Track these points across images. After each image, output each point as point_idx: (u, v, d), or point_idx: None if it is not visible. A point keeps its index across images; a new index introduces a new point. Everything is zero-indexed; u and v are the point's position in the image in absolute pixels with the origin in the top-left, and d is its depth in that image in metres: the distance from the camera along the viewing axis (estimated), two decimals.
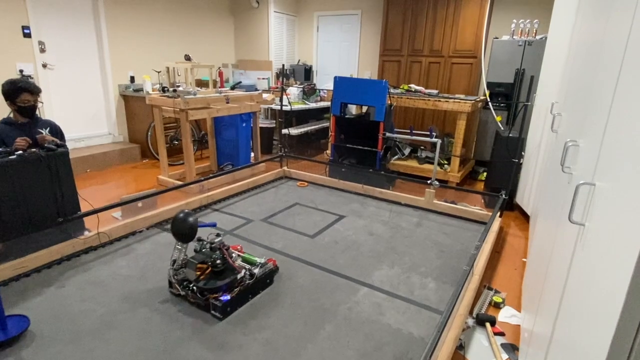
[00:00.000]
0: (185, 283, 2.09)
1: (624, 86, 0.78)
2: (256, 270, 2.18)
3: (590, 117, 1.05)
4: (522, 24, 4.56)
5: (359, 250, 2.75)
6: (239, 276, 2.09)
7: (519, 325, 2.06)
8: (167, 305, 2.06)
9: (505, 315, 2.15)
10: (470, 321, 2.08)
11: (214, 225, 2.57)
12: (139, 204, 3.07)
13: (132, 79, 5.16)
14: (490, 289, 2.38)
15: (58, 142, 2.53)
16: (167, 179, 4.03)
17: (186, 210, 2.18)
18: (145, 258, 2.54)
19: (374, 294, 2.24)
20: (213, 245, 2.16)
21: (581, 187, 0.82)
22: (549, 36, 3.24)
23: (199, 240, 2.20)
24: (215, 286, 2.02)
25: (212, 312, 2.02)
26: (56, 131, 2.73)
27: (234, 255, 2.26)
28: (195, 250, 2.19)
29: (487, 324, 2.03)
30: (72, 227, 2.52)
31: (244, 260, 2.30)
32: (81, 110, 4.78)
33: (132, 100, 5.05)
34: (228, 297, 2.00)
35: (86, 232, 2.61)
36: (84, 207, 2.66)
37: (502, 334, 2.00)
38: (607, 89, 0.90)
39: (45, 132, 2.63)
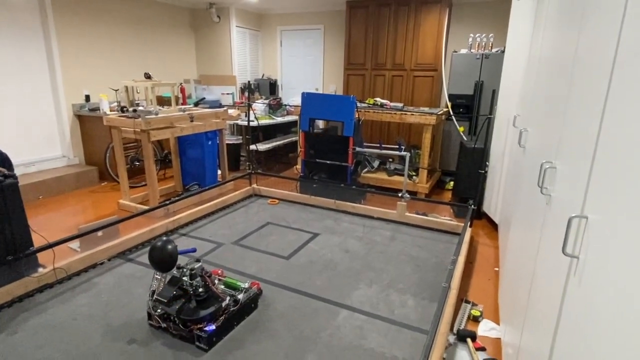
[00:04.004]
0: (165, 315, 1.97)
1: (614, 108, 0.76)
2: (240, 296, 2.10)
3: (568, 138, 1.06)
4: (479, 38, 4.75)
5: (336, 270, 2.70)
6: (223, 304, 2.01)
7: (499, 339, 2.08)
8: (134, 345, 1.91)
9: (484, 328, 2.16)
10: (452, 338, 2.08)
11: (193, 250, 2.45)
12: (99, 233, 2.87)
13: (88, 97, 4.89)
14: (467, 302, 2.40)
15: (5, 172, 2.32)
16: (128, 203, 3.82)
17: (164, 238, 2.07)
18: (108, 293, 2.36)
19: (354, 317, 2.19)
20: (193, 272, 2.05)
21: (573, 220, 0.82)
22: (507, 50, 3.38)
23: (178, 267, 2.09)
24: (199, 316, 1.92)
25: (197, 343, 1.92)
26: (2, 159, 2.50)
27: (215, 281, 2.17)
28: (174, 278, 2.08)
29: (469, 340, 2.03)
30: (24, 265, 2.30)
31: (227, 285, 2.22)
32: (31, 132, 4.45)
33: (88, 121, 4.78)
34: (213, 326, 1.92)
35: (40, 269, 2.39)
36: (38, 241, 2.45)
37: (483, 349, 2.01)
38: (592, 110, 0.89)
39: None
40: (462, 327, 2.15)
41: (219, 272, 2.38)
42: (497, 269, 2.85)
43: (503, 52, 4.61)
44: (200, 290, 2.01)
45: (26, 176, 4.21)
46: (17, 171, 4.25)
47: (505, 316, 2.02)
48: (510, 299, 1.92)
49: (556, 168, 1.13)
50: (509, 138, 3.26)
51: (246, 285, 2.22)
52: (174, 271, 2.09)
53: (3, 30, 4.05)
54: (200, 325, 1.91)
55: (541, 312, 1.10)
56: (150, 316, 2.05)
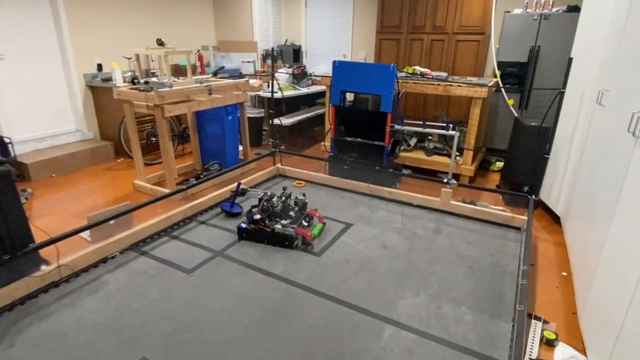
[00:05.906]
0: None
1: None
2: (276, 227, 2.56)
3: None
4: None
5: (375, 271, 2.34)
6: (254, 217, 2.63)
7: None
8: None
9: (562, 357, 1.78)
10: None
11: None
12: (111, 222, 2.58)
13: (100, 67, 4.54)
14: (537, 318, 2.01)
15: None
16: (143, 184, 3.52)
17: None
18: (118, 296, 2.08)
19: (402, 335, 1.84)
20: (296, 199, 2.92)
21: None
22: (584, 9, 2.78)
23: (284, 188, 2.96)
24: (249, 215, 2.74)
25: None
26: None
27: (303, 215, 2.84)
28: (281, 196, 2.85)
29: None
30: (24, 263, 2.03)
31: (316, 231, 2.73)
32: (42, 105, 4.17)
33: (101, 92, 4.45)
34: (245, 225, 2.64)
35: (43, 267, 2.13)
36: (39, 236, 2.17)
37: None
38: None
39: None
40: (534, 354, 1.77)
41: (317, 214, 2.88)
42: (564, 273, 2.43)
43: (567, 11, 3.95)
44: (265, 204, 2.69)
45: (37, 152, 3.96)
46: (28, 147, 4.02)
47: (596, 343, 1.62)
48: (605, 321, 1.52)
49: None
50: (582, 117, 2.74)
51: (286, 221, 2.61)
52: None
53: None
54: (243, 220, 2.71)
55: None
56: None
